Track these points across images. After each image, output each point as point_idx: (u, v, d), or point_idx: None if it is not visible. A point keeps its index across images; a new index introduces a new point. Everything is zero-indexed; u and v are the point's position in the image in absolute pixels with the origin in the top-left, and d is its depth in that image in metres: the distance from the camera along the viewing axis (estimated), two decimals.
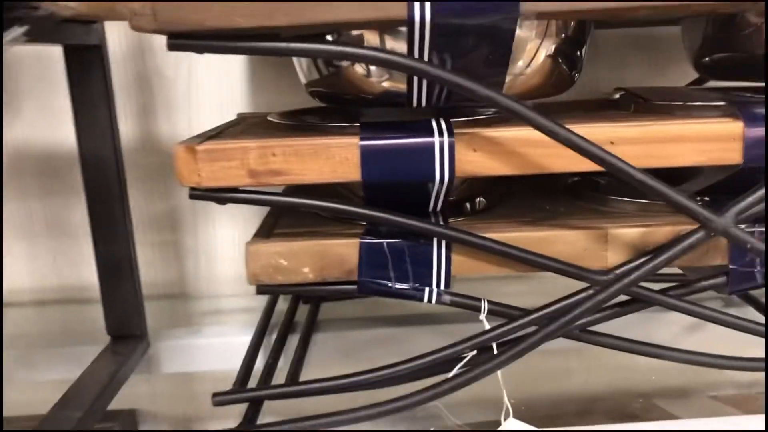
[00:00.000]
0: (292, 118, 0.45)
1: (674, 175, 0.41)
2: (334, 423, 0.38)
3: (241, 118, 0.53)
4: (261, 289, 0.41)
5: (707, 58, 0.47)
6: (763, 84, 0.45)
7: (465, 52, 0.34)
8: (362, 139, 0.37)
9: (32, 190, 0.62)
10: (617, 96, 0.49)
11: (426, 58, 0.35)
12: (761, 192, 0.35)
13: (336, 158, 0.37)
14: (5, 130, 0.61)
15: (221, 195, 0.38)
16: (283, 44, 0.33)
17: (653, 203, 0.43)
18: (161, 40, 0.33)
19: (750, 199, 0.35)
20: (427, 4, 0.32)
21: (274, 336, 0.51)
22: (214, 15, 0.32)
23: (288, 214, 0.46)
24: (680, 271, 0.47)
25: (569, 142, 0.34)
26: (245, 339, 0.50)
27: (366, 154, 0.37)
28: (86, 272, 0.63)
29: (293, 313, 0.55)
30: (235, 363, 0.46)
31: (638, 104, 0.45)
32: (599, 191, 0.47)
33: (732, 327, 0.40)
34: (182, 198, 0.63)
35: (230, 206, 0.63)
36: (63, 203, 0.62)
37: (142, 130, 0.61)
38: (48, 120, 0.60)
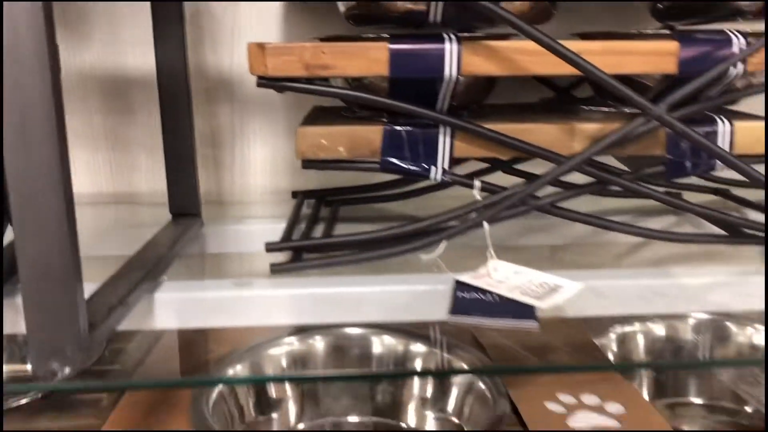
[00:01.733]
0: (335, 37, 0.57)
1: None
2: (361, 259, 0.50)
3: None
4: (306, 165, 0.53)
5: (660, 4, 0.59)
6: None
7: None
8: (391, 43, 0.48)
9: (95, 108, 0.73)
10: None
11: None
12: (689, 88, 0.47)
13: (371, 57, 0.49)
14: (74, 58, 0.72)
15: (281, 84, 0.49)
16: None
17: (614, 112, 0.55)
18: None
19: (679, 93, 0.47)
20: None
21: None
22: None
23: (322, 117, 0.58)
24: None
25: (553, 49, 0.46)
26: (280, 227, 0.61)
27: (393, 55, 0.48)
28: (137, 180, 0.74)
29: (317, 212, 0.66)
30: None
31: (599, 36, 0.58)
32: (572, 104, 0.59)
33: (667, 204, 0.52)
34: (222, 119, 0.74)
35: (262, 128, 0.75)
36: (121, 120, 0.73)
37: (191, 59, 0.72)
38: (113, 48, 0.71)
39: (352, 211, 0.68)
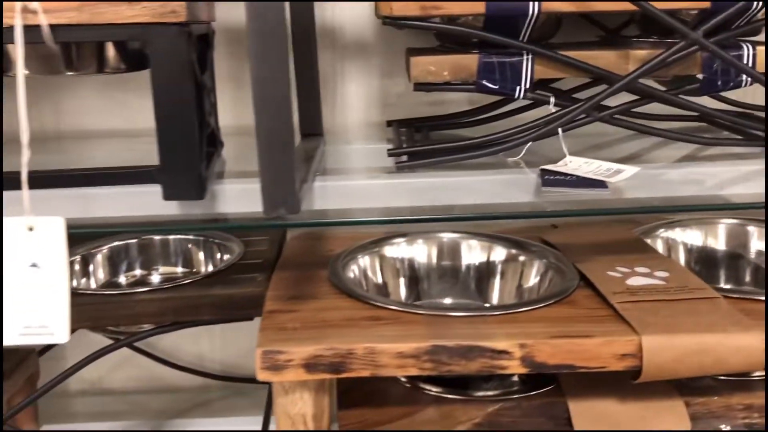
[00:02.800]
0: None
1: None
2: (464, 158, 0.65)
3: None
4: (417, 87, 0.67)
5: None
6: None
7: None
8: None
9: (243, 54, 0.87)
10: None
11: None
12: (721, 16, 0.61)
13: None
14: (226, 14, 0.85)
15: (402, 22, 0.64)
16: None
17: (659, 42, 0.69)
18: None
19: (714, 21, 0.61)
20: None
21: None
22: None
23: (422, 53, 0.72)
24: None
25: None
26: (377, 147, 0.76)
27: None
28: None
29: (412, 135, 0.81)
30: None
31: None
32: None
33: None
34: (325, 64, 0.88)
35: (357, 69, 0.89)
36: (243, 64, 0.88)
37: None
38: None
39: (439, 136, 0.83)
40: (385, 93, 0.90)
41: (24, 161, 0.47)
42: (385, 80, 0.90)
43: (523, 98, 0.67)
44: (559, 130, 0.65)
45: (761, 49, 0.66)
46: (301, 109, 0.75)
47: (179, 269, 0.83)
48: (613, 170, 0.60)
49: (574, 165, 0.62)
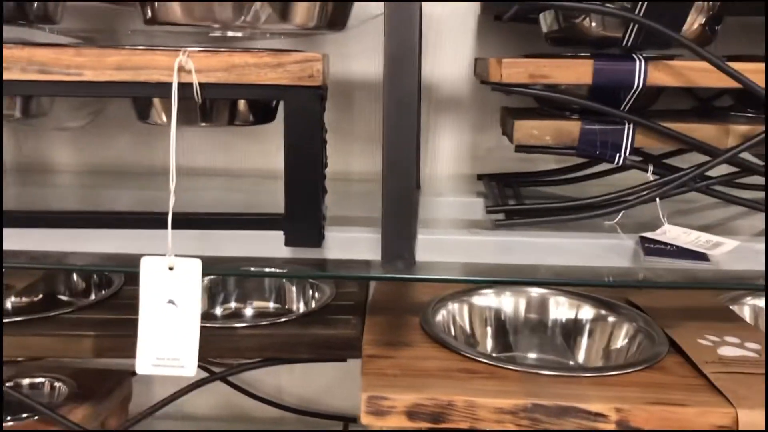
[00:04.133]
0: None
1: None
2: (561, 220, 0.67)
3: None
4: (519, 149, 0.70)
5: None
6: None
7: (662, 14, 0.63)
8: (596, 60, 0.66)
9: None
10: None
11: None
12: None
13: (579, 70, 0.66)
14: None
15: (510, 89, 0.67)
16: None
17: (755, 117, 0.71)
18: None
19: None
20: None
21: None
22: None
23: (520, 114, 0.75)
24: None
25: (721, 68, 0.62)
26: (467, 200, 0.79)
27: (597, 69, 0.65)
28: (353, 162, 0.94)
29: (503, 190, 0.84)
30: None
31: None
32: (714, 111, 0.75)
33: None
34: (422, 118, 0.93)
35: (451, 123, 0.93)
36: (343, 115, 0.93)
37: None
38: (341, 60, 0.91)
39: (528, 192, 0.86)
40: (476, 147, 0.94)
41: (170, 204, 0.52)
42: (476, 135, 0.93)
43: (621, 164, 0.69)
44: (657, 200, 0.67)
45: None
46: None
47: (271, 305, 0.87)
48: (713, 242, 0.61)
49: (672, 234, 0.63)
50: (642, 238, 0.63)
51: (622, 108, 0.69)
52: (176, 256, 0.52)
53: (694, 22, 0.68)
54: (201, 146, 0.95)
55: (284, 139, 0.56)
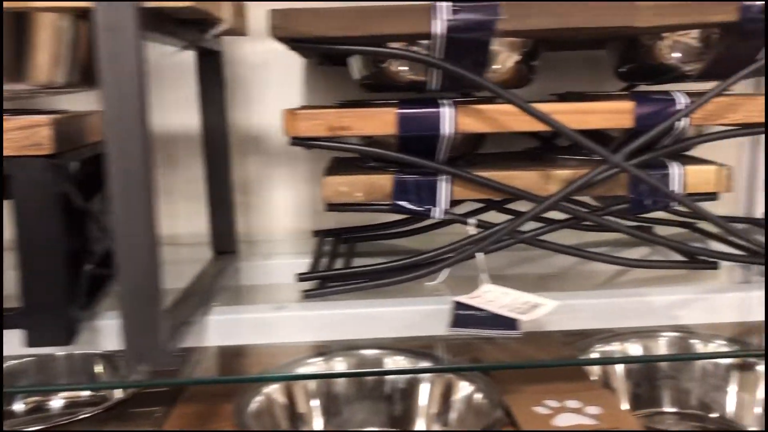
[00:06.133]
0: (346, 103, 0.68)
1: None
2: (377, 286, 0.60)
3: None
4: (329, 208, 0.63)
5: (622, 68, 0.70)
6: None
7: (462, 55, 0.57)
8: (399, 108, 0.59)
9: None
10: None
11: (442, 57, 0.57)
12: (642, 140, 0.58)
13: (382, 120, 0.59)
14: None
15: (310, 142, 0.60)
16: (356, 47, 0.57)
17: (587, 160, 0.66)
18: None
19: (633, 144, 0.58)
20: (444, 23, 0.55)
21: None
22: (315, 28, 0.55)
23: (341, 167, 0.69)
24: None
25: (527, 110, 0.57)
26: (303, 262, 0.72)
27: (401, 118, 0.59)
28: (179, 225, 0.85)
29: (336, 248, 0.76)
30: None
31: (582, 95, 0.69)
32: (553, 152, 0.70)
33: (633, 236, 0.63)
34: (251, 169, 0.85)
35: (286, 176, 0.86)
36: (164, 172, 0.84)
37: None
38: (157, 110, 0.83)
39: (366, 247, 0.79)
40: (316, 200, 0.86)
41: None
42: (315, 186, 0.86)
43: (442, 218, 0.63)
44: (480, 254, 0.61)
45: (690, 168, 0.63)
46: (213, 224, 0.70)
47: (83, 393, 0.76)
48: (531, 304, 0.55)
49: (491, 296, 0.57)
50: (456, 303, 0.56)
51: (439, 157, 0.63)
52: None
53: (508, 59, 0.63)
54: None
55: (15, 220, 0.47)
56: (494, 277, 0.69)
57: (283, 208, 0.86)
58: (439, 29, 0.55)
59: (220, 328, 0.56)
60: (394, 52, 0.57)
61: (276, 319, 0.57)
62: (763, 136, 0.87)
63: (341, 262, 0.72)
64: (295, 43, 0.56)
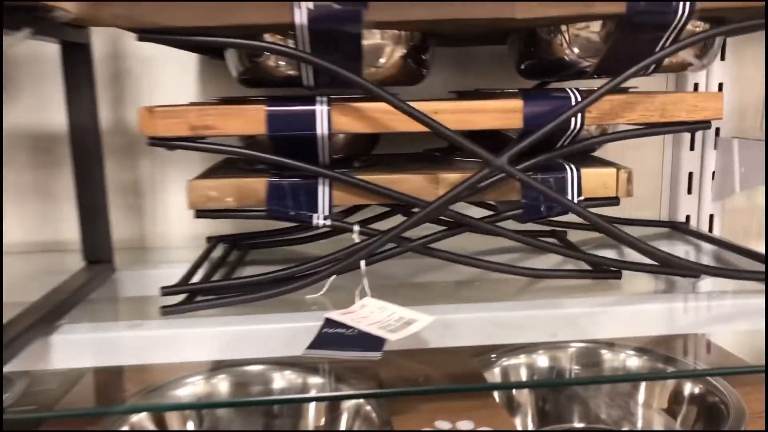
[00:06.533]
0: (226, 99, 0.63)
1: (498, 143, 0.60)
2: (245, 300, 0.55)
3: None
4: (199, 214, 0.58)
5: (523, 65, 0.65)
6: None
7: (332, 49, 0.52)
8: (268, 105, 0.54)
9: (26, 163, 0.78)
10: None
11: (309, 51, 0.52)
12: (526, 141, 0.53)
13: (250, 118, 0.54)
14: (5, 116, 0.77)
15: (170, 143, 0.55)
16: (210, 38, 0.51)
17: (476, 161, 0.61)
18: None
19: (518, 146, 0.53)
20: (305, 13, 0.50)
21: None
22: (163, 17, 0.49)
23: (224, 169, 0.63)
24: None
25: (404, 110, 0.52)
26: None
27: (270, 116, 0.54)
28: (65, 229, 0.79)
29: (227, 256, 0.71)
30: None
31: (478, 93, 0.64)
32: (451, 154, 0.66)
33: (528, 244, 0.58)
34: (144, 170, 0.79)
35: (180, 177, 0.80)
36: (48, 173, 0.78)
37: (114, 116, 0.77)
38: (39, 108, 0.77)
39: (263, 255, 0.74)
40: None
41: None
42: None
43: (322, 225, 0.58)
44: (362, 263, 0.56)
45: (587, 171, 0.58)
46: (84, 231, 0.65)
47: None
48: (405, 320, 0.50)
49: (366, 311, 0.52)
50: (326, 320, 0.51)
51: (320, 158, 0.58)
52: None
53: (393, 53, 0.58)
54: None
55: None
56: (404, 287, 0.65)
57: (179, 212, 0.81)
58: (301, 19, 0.50)
59: (65, 349, 0.51)
60: (237, 42, 0.52)
61: (129, 339, 0.52)
62: (686, 135, 0.84)
63: (224, 271, 0.66)
64: (142, 34, 0.50)
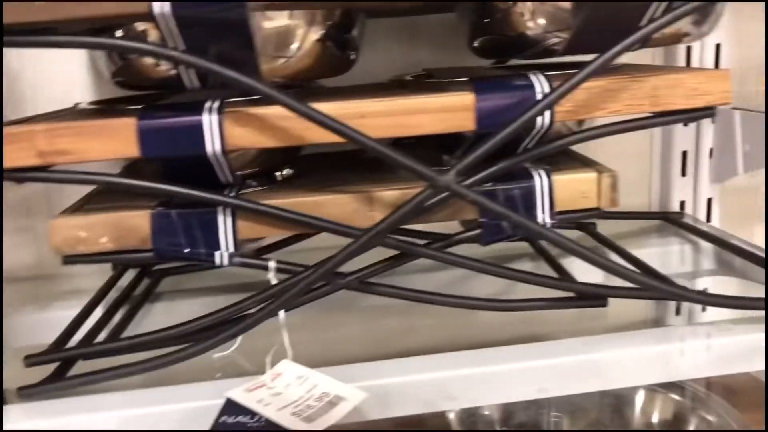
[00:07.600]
0: (100, 105, 0.50)
1: (449, 145, 0.48)
2: (122, 374, 0.43)
3: (72, 108, 0.56)
4: (67, 260, 0.45)
5: (476, 43, 0.52)
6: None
7: (211, 41, 0.39)
8: (140, 119, 0.41)
9: None
10: (410, 77, 0.55)
11: (181, 47, 0.39)
12: (478, 152, 0.41)
13: (118, 137, 0.41)
14: None
15: (17, 175, 0.42)
16: (61, 38, 0.38)
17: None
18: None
19: (468, 160, 0.41)
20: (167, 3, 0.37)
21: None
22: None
23: (104, 194, 0.50)
24: None
25: (311, 118, 0.40)
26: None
27: (143, 133, 0.41)
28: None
29: (133, 287, 0.59)
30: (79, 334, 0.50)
31: (422, 82, 0.51)
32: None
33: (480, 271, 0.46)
34: (35, 187, 0.66)
35: (78, 193, 0.67)
36: None
37: None
38: None
39: (176, 283, 0.61)
40: None
41: None
42: None
43: (229, 265, 0.45)
44: (281, 314, 0.44)
45: (560, 178, 0.46)
46: None
47: None
48: (328, 398, 0.39)
49: (281, 383, 0.40)
50: (227, 401, 0.39)
51: (224, 179, 0.45)
52: None
53: (306, 38, 0.45)
54: None
55: None
56: (338, 326, 0.53)
57: None
58: (161, 8, 0.36)
59: None
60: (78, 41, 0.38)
61: None
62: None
63: (124, 312, 0.54)
64: None
